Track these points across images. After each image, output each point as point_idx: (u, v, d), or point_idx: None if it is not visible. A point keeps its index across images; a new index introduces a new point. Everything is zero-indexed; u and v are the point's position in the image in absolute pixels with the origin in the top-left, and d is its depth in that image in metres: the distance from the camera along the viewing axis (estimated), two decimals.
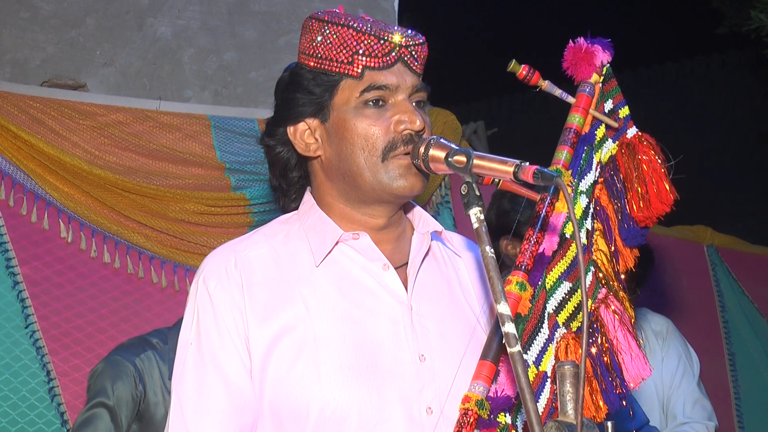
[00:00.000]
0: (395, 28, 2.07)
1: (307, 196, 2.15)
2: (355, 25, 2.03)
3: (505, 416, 1.98)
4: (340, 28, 2.04)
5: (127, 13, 4.41)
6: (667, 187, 2.21)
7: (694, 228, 5.78)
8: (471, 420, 1.89)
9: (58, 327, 3.91)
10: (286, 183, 2.17)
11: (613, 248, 2.23)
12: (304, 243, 2.08)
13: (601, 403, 2.11)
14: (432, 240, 2.16)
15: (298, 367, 1.95)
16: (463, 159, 1.87)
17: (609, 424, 1.89)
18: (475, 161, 1.85)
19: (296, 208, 2.16)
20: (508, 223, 3.30)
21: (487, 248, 1.77)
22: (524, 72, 2.20)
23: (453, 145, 1.94)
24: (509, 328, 1.71)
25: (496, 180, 2.18)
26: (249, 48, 4.60)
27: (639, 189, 2.21)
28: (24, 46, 4.23)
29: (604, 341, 2.15)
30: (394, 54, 2.03)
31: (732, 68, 10.10)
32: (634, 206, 2.22)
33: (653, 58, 9.91)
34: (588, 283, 2.18)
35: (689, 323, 4.41)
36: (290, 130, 2.10)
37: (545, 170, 1.76)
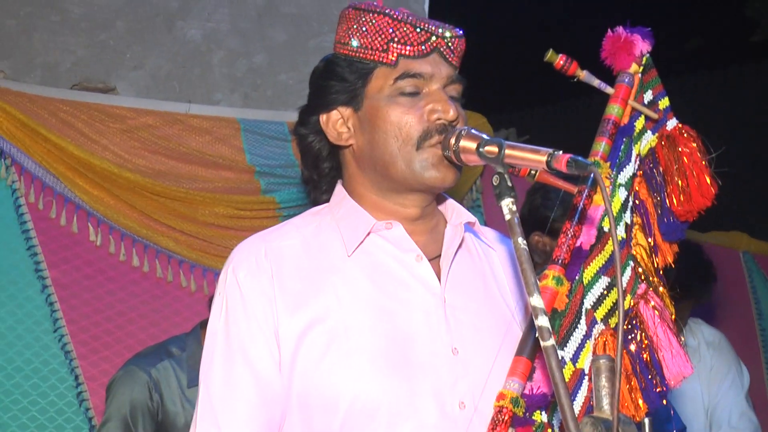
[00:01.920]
0: (434, 20, 2.06)
1: (339, 188, 2.13)
2: (391, 14, 2.03)
3: (541, 414, 1.95)
4: (376, 15, 2.03)
5: (156, 16, 4.43)
6: (709, 181, 2.17)
7: (730, 234, 5.76)
8: (506, 418, 1.87)
9: (86, 331, 3.93)
10: (318, 174, 2.16)
11: (652, 243, 2.19)
12: (335, 234, 2.06)
13: (640, 402, 2.07)
14: (465, 232, 2.13)
15: (328, 359, 1.92)
16: (495, 149, 1.84)
17: (647, 420, 1.90)
18: (507, 151, 1.82)
19: (327, 201, 2.15)
20: (540, 218, 3.28)
21: (520, 240, 1.73)
22: (561, 62, 2.16)
23: (484, 135, 1.91)
24: (542, 321, 1.67)
25: (533, 172, 2.13)
26: (278, 50, 4.61)
27: (679, 182, 2.17)
28: (54, 49, 4.25)
29: (643, 338, 2.10)
30: (429, 43, 2.02)
31: (766, 77, 10.06)
32: (674, 200, 2.18)
33: (686, 68, 9.87)
34: (627, 278, 2.13)
35: (725, 331, 4.36)
36: (323, 118, 2.08)
37: (579, 159, 1.73)
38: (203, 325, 3.54)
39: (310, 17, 4.66)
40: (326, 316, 1.96)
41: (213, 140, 4.24)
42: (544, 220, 3.19)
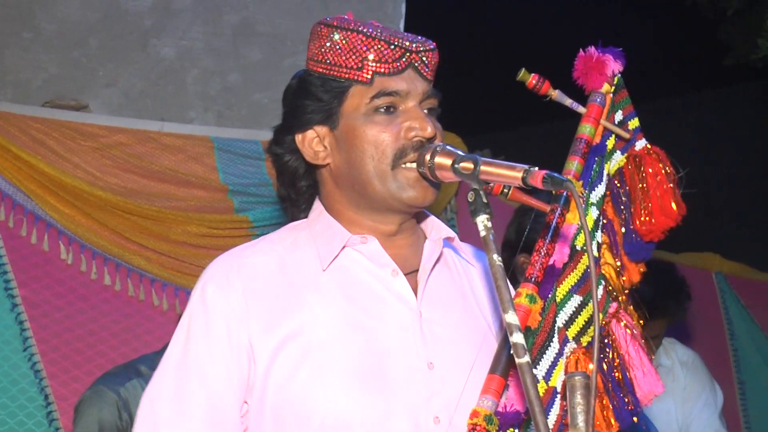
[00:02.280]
0: (405, 34, 2.06)
1: (317, 204, 2.12)
2: (364, 30, 2.01)
3: None
4: (349, 33, 2.02)
5: (130, 34, 4.43)
6: (673, 201, 2.18)
7: (703, 255, 5.77)
8: None
9: (57, 350, 3.90)
10: (295, 193, 2.14)
11: (619, 263, 2.20)
12: (311, 248, 2.05)
13: (612, 420, 2.07)
14: (445, 248, 2.13)
15: (302, 374, 1.91)
16: (470, 165, 1.83)
17: None
18: (483, 167, 1.82)
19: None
20: (528, 241, 3.30)
21: (495, 256, 1.73)
22: (534, 81, 2.16)
23: (459, 152, 1.90)
24: (517, 338, 1.67)
25: (505, 190, 2.15)
26: (253, 70, 4.62)
27: (643, 202, 2.19)
28: (26, 66, 4.25)
29: (615, 356, 2.11)
30: (404, 59, 2.01)
31: (738, 101, 10.15)
32: (638, 219, 2.19)
33: (660, 92, 9.96)
34: (599, 297, 2.14)
35: (699, 350, 4.37)
36: (298, 138, 2.07)
37: (555, 175, 1.72)
38: None
39: (286, 36, 4.66)
40: (301, 331, 1.95)
41: (186, 159, 4.23)
42: (532, 244, 3.21)
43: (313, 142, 2.06)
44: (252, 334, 1.94)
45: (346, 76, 2.01)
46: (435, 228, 2.14)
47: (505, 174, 1.79)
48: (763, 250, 8.09)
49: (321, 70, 2.04)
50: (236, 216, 4.21)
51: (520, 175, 1.76)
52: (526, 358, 1.66)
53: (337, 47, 2.02)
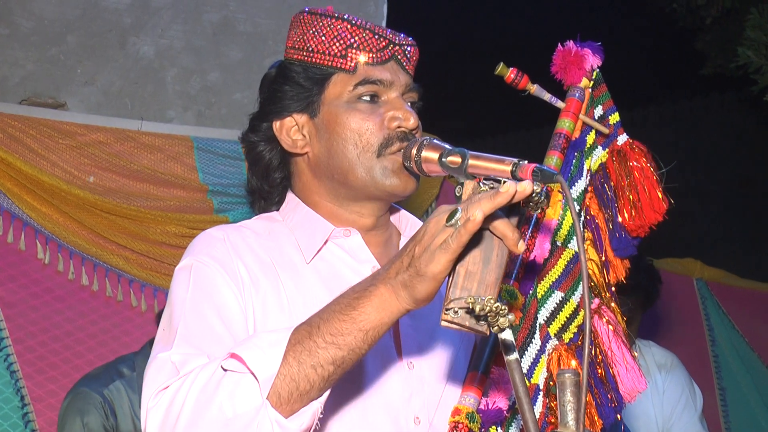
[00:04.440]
0: (388, 29, 2.07)
1: (291, 196, 2.10)
2: (349, 19, 2.03)
3: (497, 430, 1.95)
4: (334, 20, 2.03)
5: (109, 32, 4.43)
6: (660, 195, 2.18)
7: (684, 261, 5.81)
8: None
9: (33, 351, 3.90)
10: (269, 185, 2.12)
11: (603, 258, 2.20)
12: (290, 240, 2.04)
13: (595, 417, 2.07)
14: None
15: None
16: (458, 159, 1.80)
17: None
18: (471, 161, 1.78)
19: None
20: None
21: None
22: (512, 75, 2.15)
23: (446, 146, 1.88)
24: (506, 334, 1.64)
25: None
26: (234, 69, 4.63)
27: (630, 197, 2.18)
28: (3, 63, 4.24)
29: (598, 353, 2.11)
30: (388, 50, 2.02)
31: (716, 110, 10.28)
32: (626, 215, 2.19)
33: (638, 101, 10.06)
34: (580, 293, 2.13)
35: (679, 356, 4.39)
36: (276, 125, 2.06)
37: (545, 168, 1.69)
38: (152, 343, 3.50)
39: (266, 36, 4.68)
40: (276, 318, 1.91)
41: (165, 158, 4.24)
42: None
43: (291, 130, 2.05)
44: (246, 293, 1.90)
45: (329, 63, 2.01)
46: (410, 224, 2.14)
47: (494, 168, 1.75)
48: (743, 257, 8.18)
49: (302, 57, 2.04)
50: (216, 216, 4.21)
51: (509, 168, 1.72)
52: (515, 355, 1.64)
53: (321, 34, 2.02)
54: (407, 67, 2.05)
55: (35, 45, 4.29)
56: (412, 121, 1.98)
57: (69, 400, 3.39)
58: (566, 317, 2.11)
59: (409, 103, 2.04)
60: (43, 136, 4.03)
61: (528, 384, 1.98)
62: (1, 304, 3.88)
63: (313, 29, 2.03)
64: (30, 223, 3.97)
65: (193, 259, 1.94)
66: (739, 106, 9.27)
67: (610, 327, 2.13)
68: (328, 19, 2.03)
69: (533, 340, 2.06)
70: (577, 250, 2.15)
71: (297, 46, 2.05)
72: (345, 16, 2.03)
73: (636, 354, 2.23)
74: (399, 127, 1.98)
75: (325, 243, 2.02)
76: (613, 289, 2.23)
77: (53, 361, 3.91)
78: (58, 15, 4.33)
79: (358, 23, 2.02)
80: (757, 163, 9.47)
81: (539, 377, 2.04)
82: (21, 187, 3.94)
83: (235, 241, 1.97)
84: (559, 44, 2.23)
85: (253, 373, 1.67)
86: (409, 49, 2.05)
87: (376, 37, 2.02)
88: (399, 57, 2.03)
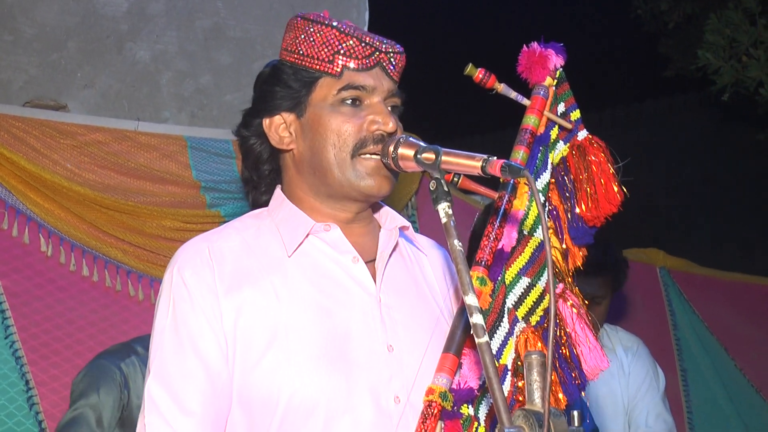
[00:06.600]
0: (377, 36, 2.12)
1: (278, 192, 2.16)
2: (339, 26, 2.07)
3: (468, 408, 2.01)
4: (324, 27, 2.07)
5: (107, 38, 4.42)
6: (615, 188, 2.22)
7: (647, 251, 5.84)
8: (435, 411, 1.92)
9: (37, 338, 3.91)
10: (258, 176, 2.18)
11: (564, 246, 2.25)
12: (275, 236, 2.08)
13: (560, 395, 2.13)
14: (399, 237, 2.18)
15: (268, 356, 1.94)
16: (432, 156, 1.88)
17: (575, 412, 1.93)
18: (444, 157, 1.87)
19: (266, 203, 2.19)
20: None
21: (456, 242, 1.77)
22: (480, 75, 2.21)
23: (422, 143, 1.95)
24: (477, 319, 1.69)
25: (455, 179, 2.24)
26: (224, 72, 4.62)
27: (588, 189, 2.22)
28: (7, 67, 4.22)
29: (562, 334, 2.17)
30: (373, 57, 2.07)
31: (678, 110, 10.29)
32: (583, 206, 2.23)
33: (606, 102, 10.12)
34: (545, 278, 2.19)
35: (644, 340, 4.40)
36: (266, 122, 2.12)
37: (513, 164, 1.76)
38: None
39: (255, 41, 4.65)
40: (266, 315, 1.98)
41: (160, 156, 4.24)
42: None
43: (280, 128, 2.11)
44: (223, 315, 1.97)
45: (317, 67, 2.06)
46: (390, 218, 2.19)
47: (465, 163, 1.83)
48: (703, 247, 8.28)
49: (293, 60, 2.09)
50: (208, 211, 4.22)
51: (479, 164, 1.80)
52: (486, 338, 1.67)
53: (311, 39, 2.07)
54: (392, 74, 2.09)
55: (37, 51, 4.26)
56: (391, 124, 2.03)
57: (86, 370, 3.31)
58: (533, 301, 2.16)
59: (390, 108, 2.08)
60: (45, 136, 4.02)
61: (497, 365, 2.03)
62: (6, 294, 3.86)
63: (305, 34, 2.07)
64: (33, 218, 3.97)
65: (172, 276, 2.01)
66: (701, 105, 9.36)
67: (574, 310, 2.18)
68: (319, 26, 2.07)
69: (502, 323, 2.10)
70: (542, 238, 2.19)
71: (290, 49, 2.10)
72: (335, 23, 2.07)
73: (598, 334, 2.30)
74: (378, 130, 2.03)
75: (306, 237, 2.06)
76: (571, 274, 2.24)
77: (56, 347, 3.90)
78: (59, 22, 4.31)
79: (346, 31, 2.06)
80: (718, 158, 9.54)
81: (508, 358, 2.09)
82: (25, 185, 3.95)
83: (217, 250, 2.03)
84: (525, 46, 2.28)
85: None
86: (395, 56, 2.09)
87: (363, 45, 2.05)
88: (384, 64, 2.07)
